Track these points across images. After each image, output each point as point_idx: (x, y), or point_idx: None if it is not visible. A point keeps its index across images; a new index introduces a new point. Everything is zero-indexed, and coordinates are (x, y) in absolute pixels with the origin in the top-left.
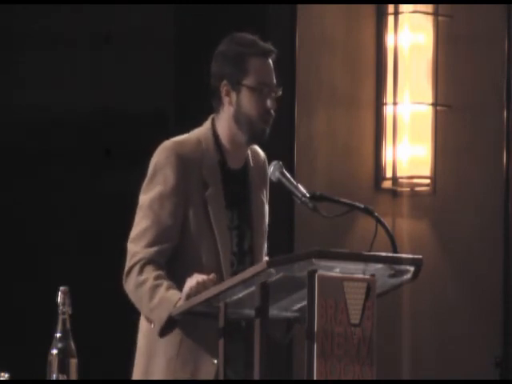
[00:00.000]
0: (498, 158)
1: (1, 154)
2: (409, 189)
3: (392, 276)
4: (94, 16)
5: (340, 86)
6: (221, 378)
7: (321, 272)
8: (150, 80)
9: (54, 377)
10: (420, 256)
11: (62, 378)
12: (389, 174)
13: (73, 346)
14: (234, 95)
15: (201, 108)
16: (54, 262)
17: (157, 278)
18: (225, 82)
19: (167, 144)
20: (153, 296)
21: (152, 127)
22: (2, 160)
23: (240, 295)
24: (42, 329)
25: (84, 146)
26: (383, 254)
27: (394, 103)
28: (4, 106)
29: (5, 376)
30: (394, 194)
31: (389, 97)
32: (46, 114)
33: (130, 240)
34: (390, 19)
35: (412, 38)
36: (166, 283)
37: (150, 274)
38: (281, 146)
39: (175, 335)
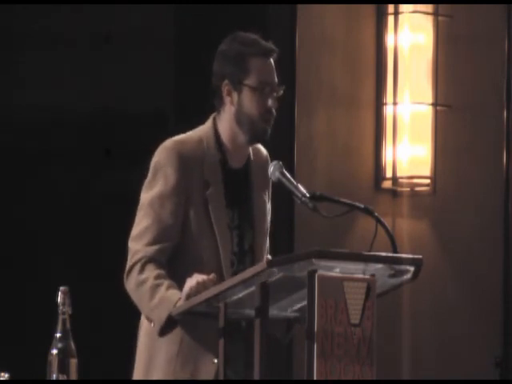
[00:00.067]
0: (498, 158)
1: (1, 154)
2: (409, 189)
3: (392, 276)
4: (94, 16)
5: (340, 86)
6: (221, 377)
7: (321, 272)
8: (149, 80)
9: (54, 377)
10: (420, 256)
11: (62, 377)
12: (389, 173)
13: (73, 346)
14: (235, 95)
15: (201, 108)
16: (54, 262)
17: (157, 277)
18: (226, 81)
19: (168, 143)
20: (153, 295)
21: (152, 127)
22: (2, 160)
23: (240, 295)
24: (42, 329)
25: (84, 145)
26: (383, 254)
27: (394, 103)
28: (4, 105)
29: (5, 376)
30: (394, 194)
31: (389, 97)
32: (46, 114)
33: (131, 238)
34: (390, 19)
35: (412, 38)
36: (166, 283)
37: (151, 272)
38: (281, 146)
39: (175, 334)
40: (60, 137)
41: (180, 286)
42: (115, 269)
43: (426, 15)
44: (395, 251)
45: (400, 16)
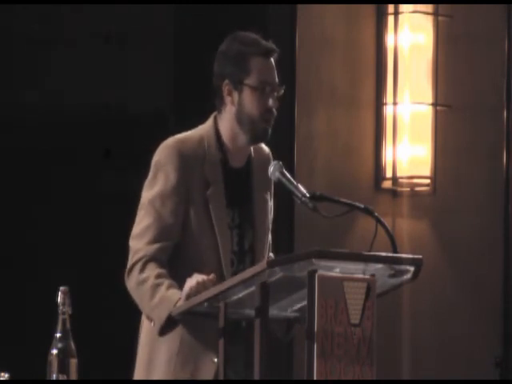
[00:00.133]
0: (498, 158)
1: (1, 154)
2: (409, 189)
3: (392, 276)
4: (94, 16)
5: (340, 86)
6: (221, 377)
7: (321, 272)
8: (149, 80)
9: (54, 377)
10: (420, 256)
11: (62, 377)
12: (389, 173)
13: (73, 346)
14: (235, 95)
15: (201, 108)
16: (54, 262)
17: (158, 276)
18: (226, 81)
19: (169, 142)
20: (153, 295)
21: (152, 127)
22: (2, 160)
23: (240, 295)
24: (42, 329)
25: (84, 145)
26: (383, 254)
27: (394, 103)
28: (4, 105)
29: (5, 376)
30: (394, 194)
31: (389, 97)
32: (46, 114)
33: (131, 237)
34: (390, 19)
35: (412, 38)
36: (166, 282)
37: (152, 272)
38: (281, 146)
39: (176, 334)
40: (60, 137)
41: (180, 286)
42: (115, 269)
43: (426, 15)
44: (395, 251)
45: (400, 16)
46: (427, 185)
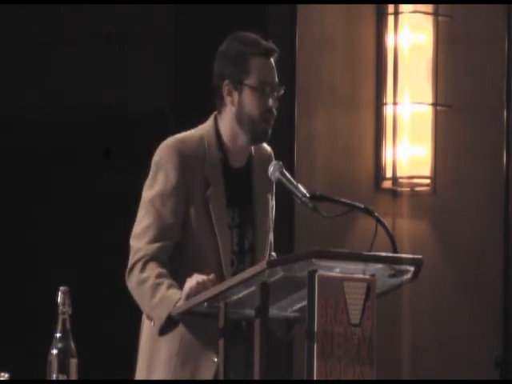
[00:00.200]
0: (498, 158)
1: (1, 154)
2: (409, 189)
3: (392, 276)
4: (94, 16)
5: (340, 86)
6: (221, 377)
7: (321, 272)
8: (149, 80)
9: (54, 377)
10: (420, 256)
11: (62, 377)
12: (389, 173)
13: (73, 346)
14: (235, 95)
15: (201, 108)
16: (54, 262)
17: (158, 276)
18: (227, 81)
19: (169, 141)
20: (154, 295)
21: (152, 127)
22: (2, 160)
23: (240, 295)
24: (42, 329)
25: (84, 145)
26: (383, 254)
27: (394, 103)
28: (4, 105)
29: (5, 376)
30: (394, 194)
31: (389, 97)
32: (46, 114)
33: (132, 236)
34: (390, 19)
35: (412, 38)
36: (167, 282)
37: (152, 271)
38: (281, 145)
39: (176, 333)
40: (60, 137)
41: (181, 286)
42: (115, 269)
43: (426, 15)
44: (395, 251)
45: (400, 16)
46: (427, 185)
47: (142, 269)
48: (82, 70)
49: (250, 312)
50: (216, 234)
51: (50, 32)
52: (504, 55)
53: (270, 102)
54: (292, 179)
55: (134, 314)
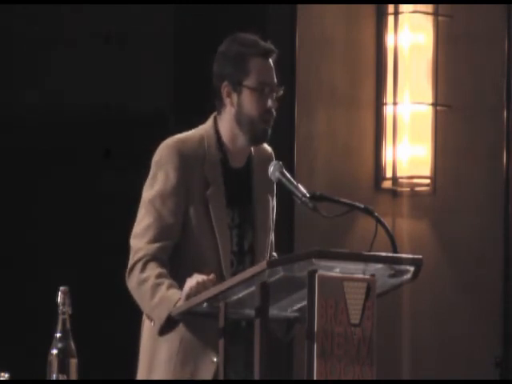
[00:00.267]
0: (498, 158)
1: (1, 154)
2: (409, 189)
3: (392, 276)
4: (94, 16)
5: (340, 86)
6: (221, 377)
7: (321, 272)
8: (149, 80)
9: (54, 377)
10: (420, 256)
11: (62, 377)
12: (389, 173)
13: (73, 346)
14: (235, 96)
15: (201, 108)
16: (54, 262)
17: (158, 276)
18: (226, 82)
19: (169, 141)
20: (154, 294)
21: (152, 127)
22: (2, 160)
23: (240, 295)
24: (42, 329)
25: (84, 145)
26: (383, 254)
27: (394, 103)
28: (4, 105)
29: (5, 376)
30: (394, 194)
31: (389, 97)
32: (46, 114)
33: (132, 236)
34: (390, 19)
35: (412, 38)
36: (167, 282)
37: (152, 271)
38: (281, 145)
39: (176, 333)
40: (60, 137)
41: (181, 286)
42: (115, 269)
43: (426, 15)
44: (395, 251)
45: (400, 16)
46: (427, 185)
47: (143, 269)
48: (81, 70)
49: (250, 312)
50: (216, 234)
51: (50, 32)
52: (504, 55)
53: (269, 102)
54: (292, 179)
55: (134, 314)
